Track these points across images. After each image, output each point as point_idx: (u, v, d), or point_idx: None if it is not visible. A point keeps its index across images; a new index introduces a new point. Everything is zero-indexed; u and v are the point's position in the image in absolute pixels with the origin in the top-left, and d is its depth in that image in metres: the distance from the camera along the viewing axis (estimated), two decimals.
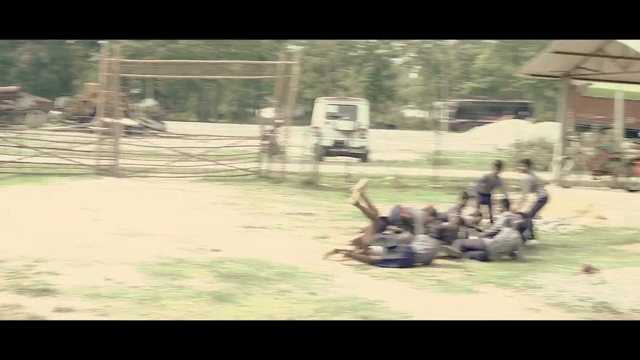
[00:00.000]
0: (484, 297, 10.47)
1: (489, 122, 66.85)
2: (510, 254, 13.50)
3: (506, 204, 15.24)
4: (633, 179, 21.27)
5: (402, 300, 9.86)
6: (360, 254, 12.35)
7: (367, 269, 11.84)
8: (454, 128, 67.67)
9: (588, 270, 12.11)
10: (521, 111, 70.24)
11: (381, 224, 13.38)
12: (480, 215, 15.53)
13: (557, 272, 12.21)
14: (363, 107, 35.89)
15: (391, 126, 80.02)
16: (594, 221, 18.42)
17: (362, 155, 34.40)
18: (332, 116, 34.89)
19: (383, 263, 12.05)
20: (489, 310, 9.66)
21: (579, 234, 17.13)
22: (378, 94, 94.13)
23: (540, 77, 24.71)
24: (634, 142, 26.69)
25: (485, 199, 16.55)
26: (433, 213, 14.15)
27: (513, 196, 16.06)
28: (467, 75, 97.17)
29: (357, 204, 13.26)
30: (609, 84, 28.64)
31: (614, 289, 10.97)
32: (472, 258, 13.17)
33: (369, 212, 13.23)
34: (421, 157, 35.85)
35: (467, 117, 71.51)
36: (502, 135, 45.71)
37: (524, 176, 16.54)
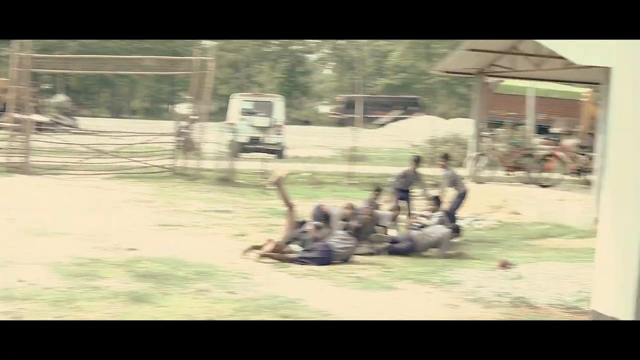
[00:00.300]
0: (402, 293, 10.49)
1: (377, 117, 67.03)
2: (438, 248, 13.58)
3: (437, 202, 15.30)
4: (545, 175, 21.64)
5: (321, 298, 9.81)
6: (277, 252, 12.24)
7: (285, 267, 11.77)
8: (342, 123, 67.16)
9: (504, 265, 12.26)
10: (411, 106, 70.63)
11: (299, 220, 13.33)
12: (398, 209, 15.55)
13: (474, 268, 12.33)
14: (278, 103, 35.87)
15: (306, 122, 79.87)
16: (508, 216, 18.72)
17: (278, 152, 34.33)
18: (248, 112, 34.78)
19: (300, 261, 12.00)
20: (408, 306, 9.67)
21: (494, 229, 17.39)
22: (293, 90, 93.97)
23: (454, 74, 24.91)
24: (545, 138, 27.18)
25: (403, 194, 16.64)
26: (351, 207, 14.17)
27: (432, 192, 16.18)
28: (380, 72, 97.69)
29: (277, 184, 13.07)
30: (521, 80, 29.08)
31: (530, 284, 11.12)
32: (393, 253, 13.20)
33: (287, 197, 13.08)
34: (336, 153, 35.94)
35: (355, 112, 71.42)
36: (416, 131, 46.08)
37: (442, 171, 16.69)
